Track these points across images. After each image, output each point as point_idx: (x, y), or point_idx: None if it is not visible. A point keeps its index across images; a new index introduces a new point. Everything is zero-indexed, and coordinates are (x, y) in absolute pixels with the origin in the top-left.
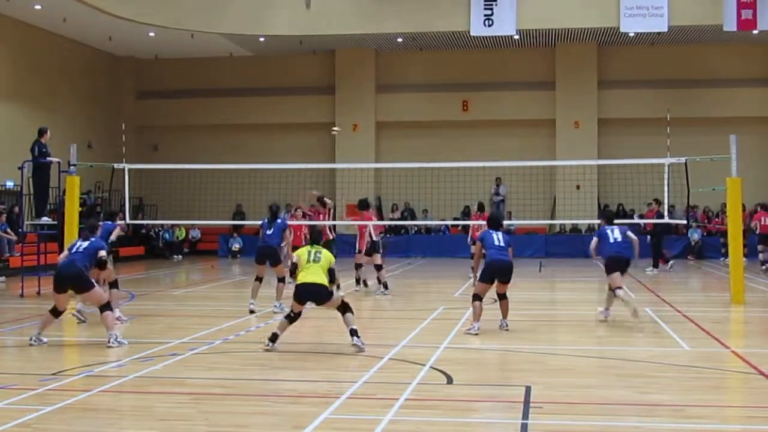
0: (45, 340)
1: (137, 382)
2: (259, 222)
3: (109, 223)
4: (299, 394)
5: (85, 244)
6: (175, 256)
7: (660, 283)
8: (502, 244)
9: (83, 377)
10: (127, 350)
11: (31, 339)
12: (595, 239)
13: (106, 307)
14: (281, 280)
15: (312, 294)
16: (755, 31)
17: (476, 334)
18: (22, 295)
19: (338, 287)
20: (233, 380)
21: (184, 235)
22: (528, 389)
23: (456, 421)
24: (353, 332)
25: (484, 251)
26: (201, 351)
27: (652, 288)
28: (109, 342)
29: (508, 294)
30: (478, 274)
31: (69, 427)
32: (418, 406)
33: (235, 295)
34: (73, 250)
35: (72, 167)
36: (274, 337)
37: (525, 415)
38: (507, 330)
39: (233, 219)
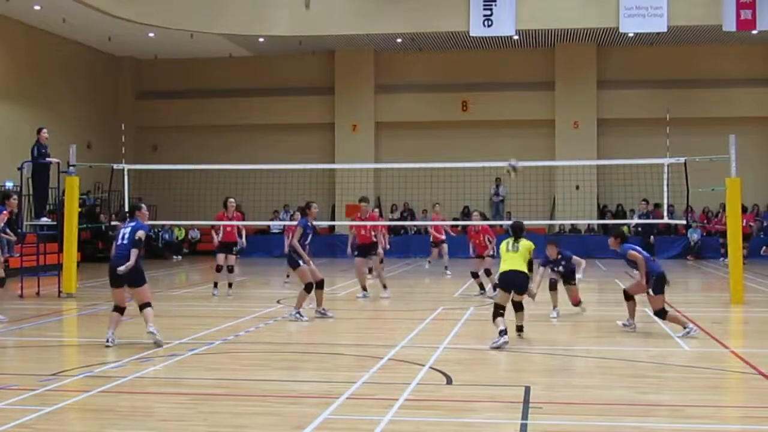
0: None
1: (137, 382)
2: (264, 222)
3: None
4: (299, 394)
5: (127, 230)
6: (175, 257)
7: None
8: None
9: (83, 378)
10: (127, 351)
11: (107, 340)
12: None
13: (147, 305)
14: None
15: (513, 282)
16: (754, 31)
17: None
18: (21, 296)
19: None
20: (233, 381)
21: (183, 235)
22: (527, 389)
23: (455, 422)
24: (519, 328)
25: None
26: (200, 351)
27: None
28: (153, 333)
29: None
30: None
31: (68, 427)
32: (418, 406)
33: (235, 296)
34: (119, 241)
35: (71, 168)
36: (503, 332)
37: (524, 416)
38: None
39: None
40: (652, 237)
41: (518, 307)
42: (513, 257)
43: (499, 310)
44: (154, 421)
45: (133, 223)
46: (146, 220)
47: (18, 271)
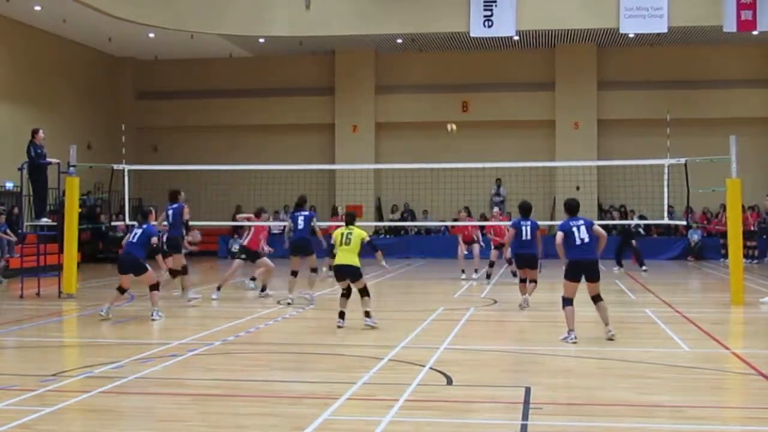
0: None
1: (137, 383)
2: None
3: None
4: (299, 395)
5: (139, 232)
6: None
7: (660, 284)
8: (586, 240)
9: (83, 378)
10: (127, 351)
11: (101, 310)
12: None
13: (155, 287)
14: (314, 270)
15: (344, 275)
16: (755, 32)
17: (574, 343)
18: (21, 296)
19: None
20: (233, 381)
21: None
22: (528, 390)
23: (456, 422)
24: (367, 313)
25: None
26: (200, 352)
27: (653, 289)
28: (152, 316)
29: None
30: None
31: (69, 427)
32: (418, 407)
33: (234, 296)
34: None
35: (71, 168)
36: (342, 315)
37: (525, 416)
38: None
39: (233, 220)
40: (633, 241)
41: (363, 292)
42: (345, 251)
43: (342, 294)
44: (154, 422)
45: (145, 226)
46: (154, 222)
47: (18, 272)
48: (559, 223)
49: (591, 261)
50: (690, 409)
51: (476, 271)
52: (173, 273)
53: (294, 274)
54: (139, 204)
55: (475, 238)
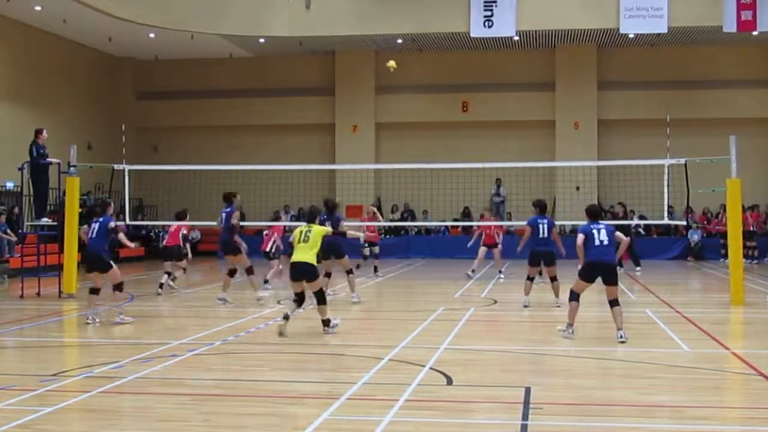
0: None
1: (137, 383)
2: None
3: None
4: (299, 395)
5: (96, 226)
6: None
7: (660, 284)
8: (606, 242)
9: (83, 378)
10: (127, 351)
11: (88, 317)
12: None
13: (118, 287)
14: (349, 272)
15: (300, 274)
16: (755, 32)
17: (570, 337)
18: (22, 296)
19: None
20: (233, 381)
21: None
22: (528, 390)
23: (456, 422)
24: (326, 323)
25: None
26: (200, 352)
27: (653, 289)
28: (116, 318)
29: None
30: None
31: (69, 427)
32: (418, 407)
33: (235, 297)
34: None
35: (72, 168)
36: (286, 317)
37: (525, 416)
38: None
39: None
40: (629, 238)
41: (318, 298)
42: (303, 249)
43: (294, 298)
44: (154, 422)
45: (102, 219)
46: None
47: (18, 272)
48: (581, 224)
49: (609, 263)
50: (690, 409)
51: (500, 272)
52: (231, 273)
53: (327, 275)
54: (140, 204)
55: (497, 239)
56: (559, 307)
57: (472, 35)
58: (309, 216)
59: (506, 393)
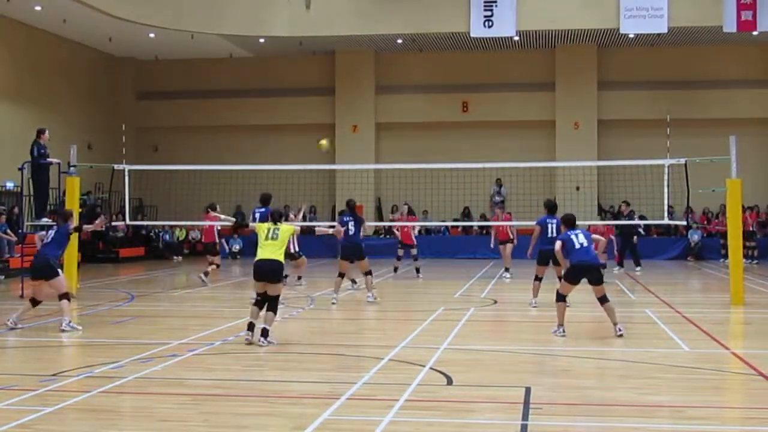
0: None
1: (137, 383)
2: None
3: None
4: (299, 395)
5: (53, 232)
6: (175, 257)
7: (660, 284)
8: (585, 244)
9: (83, 378)
10: (127, 351)
11: (8, 320)
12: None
13: (64, 296)
14: (368, 273)
15: (266, 272)
16: (755, 33)
17: (563, 336)
18: (21, 296)
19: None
20: (233, 381)
21: (184, 236)
22: (528, 390)
23: (456, 422)
24: (265, 332)
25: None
26: (201, 352)
27: (653, 289)
28: (61, 326)
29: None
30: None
31: (69, 427)
32: (418, 407)
33: (235, 297)
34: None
35: (72, 168)
36: (251, 326)
37: (525, 416)
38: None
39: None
40: (635, 237)
41: (272, 304)
42: (270, 245)
43: (254, 302)
44: (154, 422)
45: (62, 226)
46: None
47: (18, 272)
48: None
49: (592, 264)
50: (690, 409)
51: (507, 269)
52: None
53: (341, 276)
54: (140, 204)
55: (511, 236)
56: (567, 305)
57: (472, 35)
58: (275, 214)
59: (506, 393)
